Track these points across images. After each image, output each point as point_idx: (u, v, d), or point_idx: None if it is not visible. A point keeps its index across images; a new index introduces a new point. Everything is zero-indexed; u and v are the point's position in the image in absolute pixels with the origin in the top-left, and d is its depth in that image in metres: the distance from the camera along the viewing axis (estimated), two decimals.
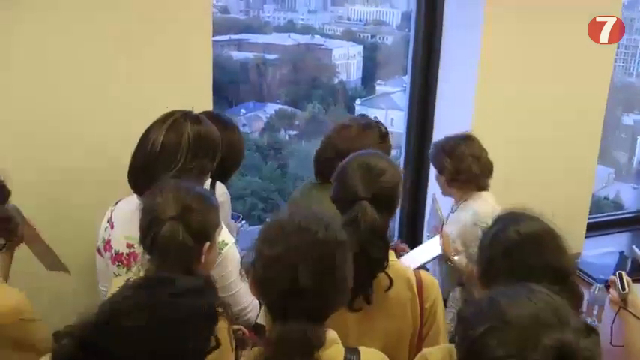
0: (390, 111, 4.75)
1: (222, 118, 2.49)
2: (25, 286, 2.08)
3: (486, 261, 1.82)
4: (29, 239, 2.22)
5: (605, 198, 5.58)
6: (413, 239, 3.85)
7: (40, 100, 2.50)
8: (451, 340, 2.10)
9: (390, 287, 1.89)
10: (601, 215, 4.81)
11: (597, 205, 5.14)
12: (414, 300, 1.95)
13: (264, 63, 4.84)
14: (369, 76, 5.01)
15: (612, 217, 4.83)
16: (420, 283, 1.97)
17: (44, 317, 2.08)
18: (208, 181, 2.25)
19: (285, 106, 4.98)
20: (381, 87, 4.95)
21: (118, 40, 2.57)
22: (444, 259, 2.87)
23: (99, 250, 2.22)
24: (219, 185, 2.41)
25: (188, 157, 2.06)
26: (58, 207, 2.48)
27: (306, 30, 4.99)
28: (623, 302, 2.23)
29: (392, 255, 1.97)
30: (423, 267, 2.62)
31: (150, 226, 1.73)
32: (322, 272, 1.46)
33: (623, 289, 2.22)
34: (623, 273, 2.26)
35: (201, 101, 2.65)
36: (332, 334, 1.53)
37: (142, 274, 1.79)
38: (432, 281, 2.02)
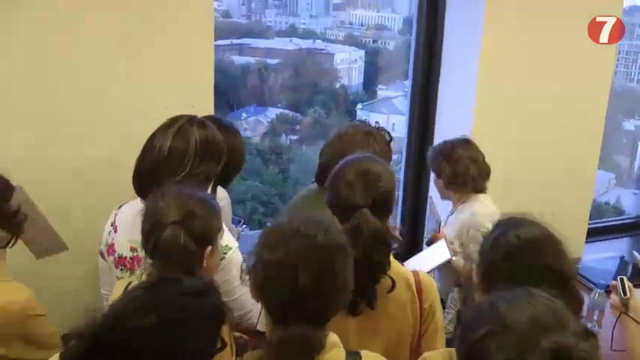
0: (391, 116, 4.75)
1: (223, 122, 2.49)
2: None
3: (487, 265, 1.82)
4: (29, 221, 2.22)
5: (606, 203, 5.57)
6: (413, 241, 3.86)
7: (40, 100, 2.50)
8: (450, 340, 2.12)
9: (392, 289, 1.89)
10: (601, 220, 4.80)
11: (598, 210, 5.13)
12: (414, 300, 1.96)
13: (266, 67, 4.84)
14: (370, 81, 5.02)
15: (613, 223, 4.82)
16: (418, 283, 1.97)
17: None
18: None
19: (287, 111, 4.99)
20: (382, 92, 4.95)
21: (118, 41, 2.57)
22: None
23: (102, 254, 2.23)
24: (220, 189, 2.41)
25: (195, 161, 2.08)
26: (58, 207, 2.48)
27: (308, 34, 5.00)
28: (624, 307, 2.23)
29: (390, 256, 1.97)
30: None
31: (152, 231, 1.74)
32: (322, 276, 1.47)
33: (625, 294, 2.22)
34: (625, 278, 2.26)
35: (203, 105, 2.66)
36: (333, 337, 1.54)
37: (144, 278, 1.79)
38: (431, 282, 2.03)
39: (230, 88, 4.71)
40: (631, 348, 2.20)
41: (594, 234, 4.30)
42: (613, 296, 2.27)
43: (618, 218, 5.01)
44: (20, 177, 2.14)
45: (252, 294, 1.56)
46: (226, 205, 2.47)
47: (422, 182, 3.76)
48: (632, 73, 5.70)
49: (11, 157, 2.33)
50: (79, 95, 2.56)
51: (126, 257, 2.13)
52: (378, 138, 2.52)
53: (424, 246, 3.39)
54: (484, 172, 2.94)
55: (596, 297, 2.94)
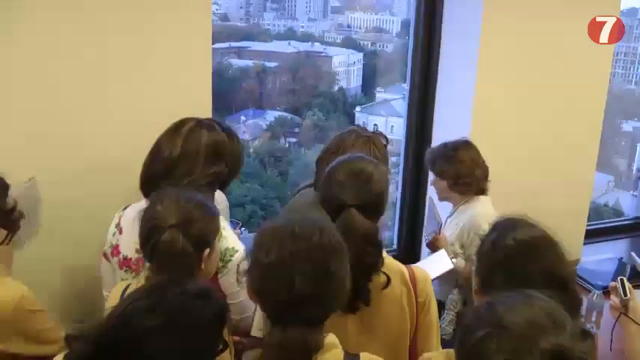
0: (390, 118, 4.75)
1: (221, 125, 2.49)
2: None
3: (485, 269, 1.82)
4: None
5: (605, 205, 5.57)
6: (412, 244, 3.87)
7: (39, 100, 2.50)
8: (450, 342, 2.12)
9: (387, 285, 1.89)
10: (599, 222, 4.80)
11: (597, 211, 5.14)
12: (410, 294, 1.96)
13: (264, 70, 4.85)
14: (369, 84, 5.02)
15: (611, 224, 4.82)
16: (413, 277, 1.97)
17: None
18: None
19: (285, 114, 4.99)
20: (381, 94, 4.95)
21: (116, 44, 2.57)
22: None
23: (105, 255, 2.23)
24: (218, 193, 2.41)
25: (207, 163, 2.12)
26: (57, 207, 2.49)
27: (306, 37, 5.01)
28: (624, 309, 2.22)
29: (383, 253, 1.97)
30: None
31: (150, 234, 1.74)
32: (319, 277, 1.47)
33: (625, 295, 2.21)
34: (625, 279, 2.25)
35: (201, 108, 2.66)
36: (331, 338, 1.54)
37: (142, 280, 1.80)
38: (425, 275, 2.03)
39: (229, 91, 4.71)
40: (631, 349, 2.20)
41: (592, 235, 4.30)
42: (613, 297, 2.27)
43: (616, 220, 5.01)
44: (19, 177, 2.15)
45: (250, 296, 1.56)
46: (224, 208, 2.47)
47: (420, 184, 3.76)
48: (631, 75, 5.71)
49: (10, 158, 2.33)
50: (77, 98, 2.55)
51: (131, 259, 2.13)
52: (377, 143, 2.51)
53: (423, 246, 3.39)
54: (485, 174, 2.95)
55: (594, 298, 2.95)
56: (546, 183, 3.68)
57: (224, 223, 2.16)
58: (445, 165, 2.93)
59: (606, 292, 2.33)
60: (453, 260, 2.81)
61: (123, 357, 1.28)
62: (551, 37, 3.49)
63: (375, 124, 4.71)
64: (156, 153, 2.14)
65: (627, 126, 5.85)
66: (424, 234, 3.03)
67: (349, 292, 1.58)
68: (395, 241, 3.92)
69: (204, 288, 1.44)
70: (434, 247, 2.96)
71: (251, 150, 4.77)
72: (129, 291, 1.76)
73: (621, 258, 3.93)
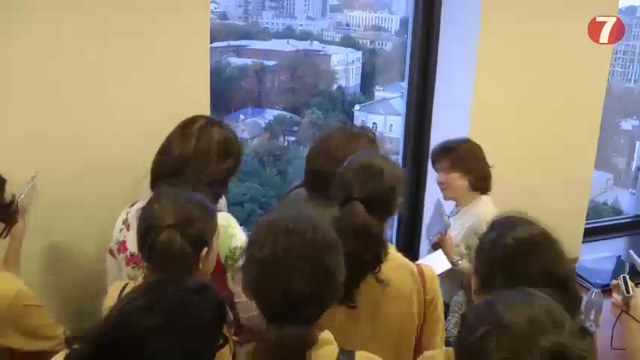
0: (389, 117, 4.75)
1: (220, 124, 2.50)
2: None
3: (484, 268, 1.82)
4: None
5: (604, 203, 5.58)
6: (411, 244, 3.87)
7: (39, 100, 2.50)
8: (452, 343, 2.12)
9: (385, 285, 1.89)
10: (598, 220, 4.81)
11: (596, 210, 5.14)
12: (419, 292, 1.97)
13: (263, 69, 4.84)
14: (367, 82, 5.01)
15: (610, 222, 4.83)
16: (422, 275, 1.99)
17: None
18: None
19: (284, 112, 4.98)
20: (380, 93, 4.95)
21: (115, 43, 2.57)
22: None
23: (111, 252, 2.24)
24: None
25: (220, 160, 2.16)
26: (57, 207, 2.49)
27: (305, 36, 4.99)
28: (626, 306, 2.22)
29: (392, 249, 1.98)
30: None
31: (147, 234, 1.75)
32: (313, 274, 1.47)
33: (628, 292, 2.21)
34: (627, 277, 2.25)
35: (199, 107, 2.65)
36: (326, 334, 1.55)
37: (140, 279, 1.80)
38: (433, 273, 2.05)
39: (227, 90, 4.70)
40: (633, 347, 2.20)
41: (591, 234, 4.31)
42: (615, 295, 2.27)
43: (615, 218, 5.02)
44: (19, 177, 2.16)
45: (245, 293, 1.57)
46: (223, 207, 2.47)
47: (419, 182, 3.76)
48: (630, 74, 5.71)
49: (10, 158, 2.33)
50: (77, 98, 2.56)
51: (138, 255, 2.13)
52: (363, 138, 2.46)
53: (422, 245, 3.39)
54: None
55: (593, 297, 2.94)
56: (545, 182, 3.69)
57: (234, 222, 2.17)
58: (472, 163, 2.90)
59: (605, 290, 2.33)
60: (459, 262, 2.80)
61: (123, 357, 1.28)
62: (549, 36, 3.49)
63: (374, 123, 4.71)
64: (166, 151, 2.16)
65: (626, 124, 5.85)
66: (429, 235, 3.00)
67: (345, 285, 1.59)
68: (394, 240, 3.92)
69: (201, 283, 1.45)
70: (439, 248, 2.92)
71: (250, 149, 4.76)
72: (127, 290, 1.76)
73: (620, 256, 3.94)
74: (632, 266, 3.44)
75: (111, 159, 2.58)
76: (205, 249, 1.79)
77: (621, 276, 2.25)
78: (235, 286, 2.08)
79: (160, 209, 1.76)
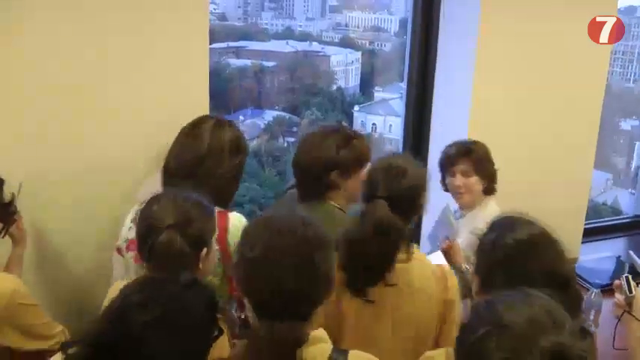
0: (388, 117, 4.75)
1: None
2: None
3: (485, 268, 1.83)
4: None
5: (604, 203, 5.58)
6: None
7: (39, 100, 2.50)
8: None
9: (393, 283, 1.92)
10: (598, 220, 4.80)
11: (595, 210, 5.14)
12: (441, 293, 2.02)
13: (262, 70, 4.84)
14: (367, 83, 5.01)
15: (609, 223, 4.82)
16: (443, 275, 2.05)
17: None
18: None
19: (284, 113, 4.98)
20: (379, 93, 4.95)
21: (113, 43, 2.57)
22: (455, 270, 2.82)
23: (119, 250, 2.24)
24: None
25: (232, 158, 2.21)
26: (57, 207, 2.49)
27: (304, 37, 4.99)
28: (628, 306, 2.22)
29: (417, 250, 2.03)
30: None
31: (147, 234, 1.75)
32: (303, 272, 1.48)
33: (630, 292, 2.21)
34: (630, 277, 2.25)
35: (199, 108, 2.65)
36: (319, 332, 1.56)
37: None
38: (453, 274, 2.11)
39: (227, 91, 4.70)
40: (633, 346, 2.20)
41: (591, 234, 4.31)
42: (617, 295, 2.26)
43: (614, 218, 5.01)
44: (19, 177, 2.16)
45: (237, 290, 1.58)
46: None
47: None
48: (629, 74, 5.71)
49: (10, 158, 2.34)
50: (77, 97, 2.55)
51: None
52: (337, 136, 2.41)
53: (422, 245, 3.38)
54: None
55: (592, 297, 2.94)
56: (544, 182, 3.69)
57: (246, 222, 2.17)
58: (489, 165, 2.85)
59: (605, 290, 2.33)
60: (466, 267, 2.77)
61: (121, 356, 1.28)
62: (548, 36, 3.49)
63: (373, 124, 4.71)
64: (177, 153, 2.18)
65: (626, 124, 5.85)
66: (436, 240, 2.97)
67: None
68: None
69: (192, 278, 1.45)
70: (447, 254, 2.83)
71: (249, 149, 4.75)
72: None
73: (619, 256, 3.94)
74: (632, 266, 3.45)
75: (111, 159, 2.58)
76: (205, 249, 1.79)
77: (624, 276, 2.24)
78: None
79: (160, 210, 1.76)
